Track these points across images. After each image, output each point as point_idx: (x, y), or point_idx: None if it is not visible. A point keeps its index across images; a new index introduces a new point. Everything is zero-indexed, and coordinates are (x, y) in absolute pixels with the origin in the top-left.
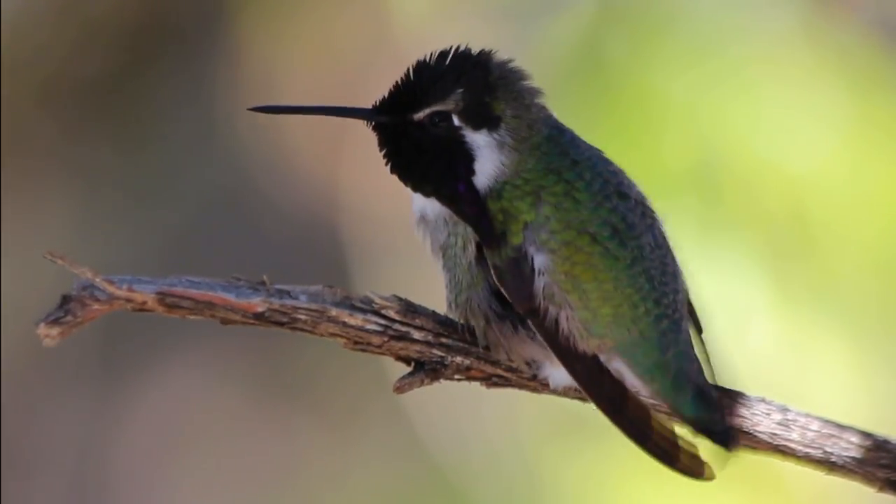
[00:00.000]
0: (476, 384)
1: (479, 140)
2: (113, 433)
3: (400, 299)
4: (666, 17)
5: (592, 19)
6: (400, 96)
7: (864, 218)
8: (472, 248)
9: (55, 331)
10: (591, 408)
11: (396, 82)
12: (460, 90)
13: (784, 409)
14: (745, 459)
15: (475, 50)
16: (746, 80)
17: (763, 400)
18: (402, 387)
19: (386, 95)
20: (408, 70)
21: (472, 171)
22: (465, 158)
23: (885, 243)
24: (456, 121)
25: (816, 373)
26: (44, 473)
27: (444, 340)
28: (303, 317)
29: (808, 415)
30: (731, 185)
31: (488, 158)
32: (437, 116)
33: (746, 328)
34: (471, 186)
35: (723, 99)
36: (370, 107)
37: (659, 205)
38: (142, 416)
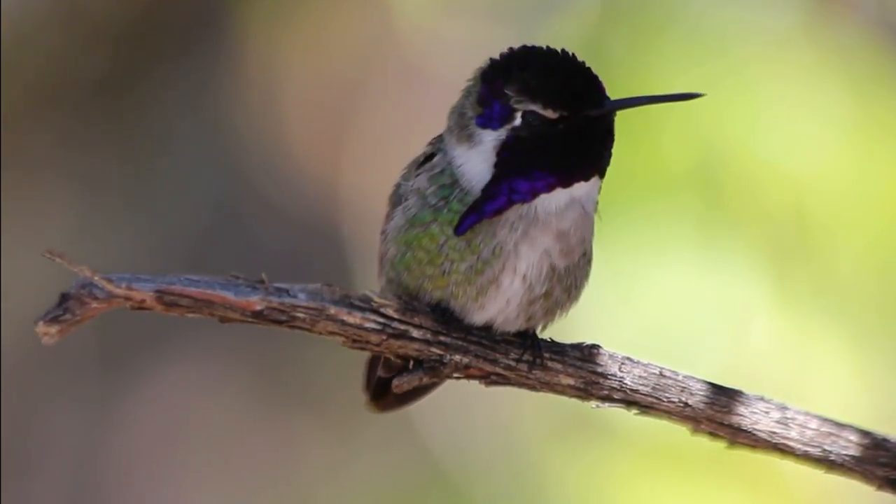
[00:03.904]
0: (475, 382)
1: None
2: (113, 433)
3: (399, 298)
4: (667, 16)
5: (593, 19)
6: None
7: (864, 218)
8: None
9: (54, 329)
10: (591, 408)
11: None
12: None
13: (783, 408)
14: (745, 458)
15: None
16: (747, 79)
17: (762, 398)
18: (400, 385)
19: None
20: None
21: None
22: None
23: (885, 243)
24: None
25: (816, 372)
26: (44, 473)
27: (442, 339)
28: (301, 315)
29: (806, 413)
30: (731, 185)
31: None
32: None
33: (746, 328)
34: None
35: (723, 99)
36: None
37: (659, 205)
38: (141, 415)
